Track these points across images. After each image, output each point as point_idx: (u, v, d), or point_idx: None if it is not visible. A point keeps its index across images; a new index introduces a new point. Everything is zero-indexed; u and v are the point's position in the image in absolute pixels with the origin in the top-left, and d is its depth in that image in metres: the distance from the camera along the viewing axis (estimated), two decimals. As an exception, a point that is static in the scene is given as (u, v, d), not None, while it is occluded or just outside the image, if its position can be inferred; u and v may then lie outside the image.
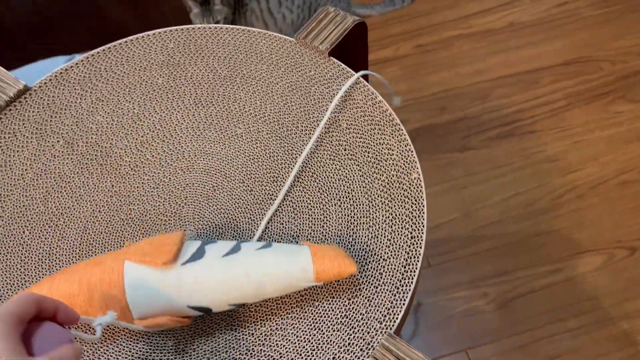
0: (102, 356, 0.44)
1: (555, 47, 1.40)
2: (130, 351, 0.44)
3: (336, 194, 0.50)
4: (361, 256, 0.46)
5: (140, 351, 0.44)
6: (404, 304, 0.42)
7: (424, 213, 0.46)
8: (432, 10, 1.52)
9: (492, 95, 1.34)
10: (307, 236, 0.48)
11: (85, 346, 0.45)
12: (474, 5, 1.51)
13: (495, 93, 1.34)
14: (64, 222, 0.52)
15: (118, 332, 0.45)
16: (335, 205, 0.49)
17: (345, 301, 0.44)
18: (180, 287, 0.43)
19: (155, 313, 0.44)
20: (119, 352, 0.44)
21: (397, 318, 0.42)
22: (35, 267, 0.49)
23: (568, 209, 1.16)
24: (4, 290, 0.48)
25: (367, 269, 0.45)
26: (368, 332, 0.42)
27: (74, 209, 0.52)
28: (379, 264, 0.45)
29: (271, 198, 0.51)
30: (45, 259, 0.50)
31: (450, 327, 1.05)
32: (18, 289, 0.48)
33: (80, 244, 0.51)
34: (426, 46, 1.45)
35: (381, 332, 0.41)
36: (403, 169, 0.49)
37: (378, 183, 0.49)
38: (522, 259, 1.11)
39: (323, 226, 0.48)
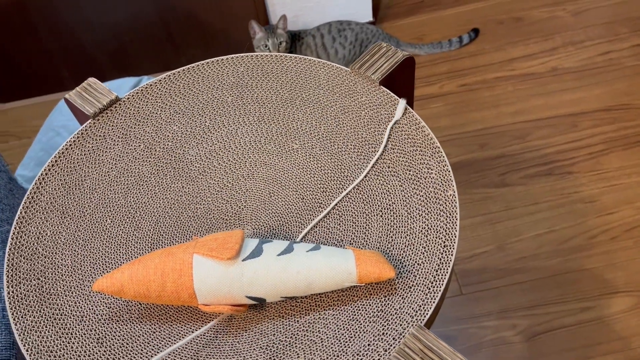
0: (171, 330, 0.51)
1: (596, 93, 1.44)
2: (189, 329, 0.51)
3: (378, 206, 0.56)
4: (398, 260, 0.52)
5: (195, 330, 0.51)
6: (434, 302, 0.48)
7: (457, 225, 0.52)
8: (478, 52, 1.59)
9: (532, 135, 1.39)
10: (350, 241, 0.54)
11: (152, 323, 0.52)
12: (519, 50, 1.58)
13: (535, 133, 1.39)
14: (139, 215, 0.60)
15: (181, 312, 0.52)
16: (377, 215, 0.56)
17: (381, 298, 0.50)
18: (240, 279, 0.50)
19: (217, 301, 0.51)
20: (179, 329, 0.51)
21: (427, 313, 0.47)
22: (115, 250, 0.57)
23: (601, 249, 1.18)
24: (88, 269, 0.55)
25: (403, 271, 0.51)
26: (400, 324, 0.48)
27: (149, 204, 0.60)
28: (413, 267, 0.51)
29: (320, 206, 0.58)
30: (123, 245, 0.57)
31: (478, 354, 1.08)
32: (100, 270, 0.55)
33: (152, 235, 0.58)
34: (470, 85, 1.52)
35: (412, 324, 0.47)
36: (440, 186, 0.56)
37: (417, 198, 0.55)
38: (553, 294, 1.13)
39: (365, 233, 0.54)
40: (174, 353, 0.50)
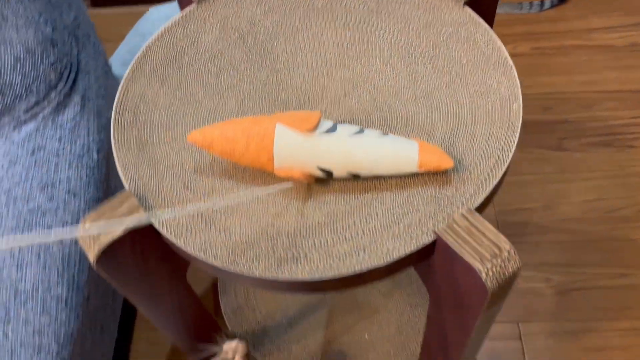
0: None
1: (673, 72, 1.42)
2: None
3: (445, 113, 0.61)
4: (457, 160, 0.57)
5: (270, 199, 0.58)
6: (485, 193, 0.53)
7: (516, 135, 0.57)
8: (558, 18, 1.57)
9: (599, 106, 1.38)
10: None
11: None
12: (600, 21, 1.55)
13: (602, 105, 1.38)
14: (227, 94, 0.67)
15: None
16: (443, 121, 0.60)
17: (436, 187, 0.55)
18: (315, 150, 0.56)
19: (291, 167, 0.57)
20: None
21: (478, 201, 0.53)
22: (203, 118, 0.64)
23: (649, 222, 1.19)
24: (179, 128, 0.63)
25: (460, 169, 0.56)
26: (451, 207, 0.53)
27: (237, 86, 0.67)
28: (470, 166, 0.56)
29: (390, 109, 0.63)
30: (211, 115, 0.65)
31: (508, 299, 1.13)
32: (189, 131, 0.63)
33: (236, 111, 0.65)
34: (544, 49, 1.51)
35: (463, 208, 0.52)
36: (507, 100, 0.60)
37: (483, 108, 0.60)
38: (592, 257, 1.16)
39: (429, 134, 0.60)
40: (246, 204, 0.57)
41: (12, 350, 0.65)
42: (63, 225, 0.74)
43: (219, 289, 1.08)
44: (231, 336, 1.02)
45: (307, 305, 1.06)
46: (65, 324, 0.69)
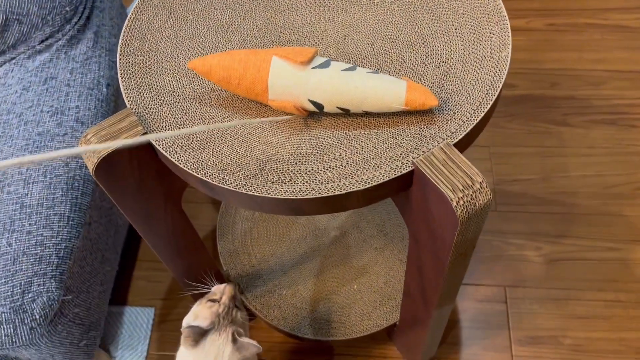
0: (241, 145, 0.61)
1: (685, 53, 1.41)
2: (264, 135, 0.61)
3: (438, 60, 0.63)
4: (443, 101, 0.59)
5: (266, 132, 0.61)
6: (465, 131, 0.56)
7: (501, 82, 0.59)
8: (575, -4, 1.56)
9: (606, 84, 1.39)
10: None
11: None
12: (617, 1, 1.54)
13: (610, 84, 1.39)
14: (231, 31, 0.69)
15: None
16: (434, 67, 0.63)
17: (421, 126, 0.58)
18: (307, 83, 0.59)
19: (284, 98, 0.60)
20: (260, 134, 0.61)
21: (458, 137, 0.55)
22: (205, 52, 0.67)
23: (644, 199, 1.20)
24: (182, 59, 0.66)
25: (445, 109, 0.58)
26: (432, 143, 0.56)
27: (240, 24, 0.70)
28: (455, 107, 0.58)
29: (386, 54, 0.65)
30: (213, 50, 0.67)
31: (497, 264, 1.16)
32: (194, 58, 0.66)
33: (238, 48, 0.68)
34: (558, 26, 1.51)
35: (442, 143, 0.55)
36: (497, 48, 0.62)
37: (474, 56, 0.62)
38: (583, 230, 1.18)
39: (421, 79, 0.62)
40: (240, 132, 0.60)
41: (15, 258, 0.69)
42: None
43: (217, 233, 1.12)
44: (225, 276, 1.06)
45: (301, 254, 1.09)
46: (66, 240, 0.73)
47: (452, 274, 0.65)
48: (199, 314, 0.77)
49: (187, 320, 0.78)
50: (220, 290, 0.82)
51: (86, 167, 0.80)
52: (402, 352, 1.08)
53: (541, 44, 1.48)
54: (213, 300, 0.80)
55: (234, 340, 0.78)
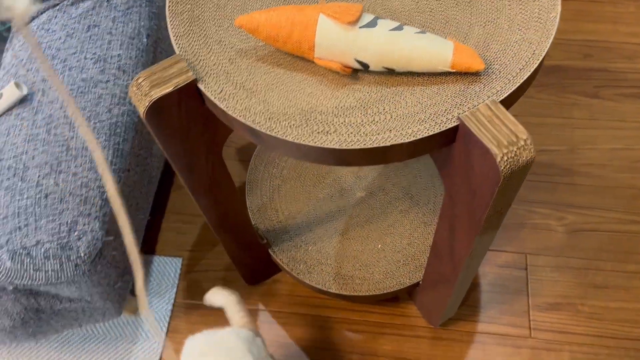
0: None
1: None
2: (303, 78, 0.62)
3: (484, 19, 0.63)
4: (488, 61, 0.60)
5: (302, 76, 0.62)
6: (511, 89, 0.56)
7: (548, 43, 0.59)
8: (614, -34, 1.53)
9: (641, 58, 1.37)
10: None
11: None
12: (658, -26, 1.50)
13: (645, 57, 1.37)
14: (277, -17, 0.70)
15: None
16: (480, 26, 0.63)
17: (466, 83, 0.58)
18: (354, 43, 0.59)
19: (330, 57, 0.61)
20: (293, 75, 0.62)
21: (504, 94, 0.56)
22: (253, 4, 0.68)
23: (672, 175, 1.20)
24: (228, 12, 0.67)
25: (491, 70, 0.59)
26: (477, 100, 0.56)
27: (286, -23, 0.70)
28: (501, 67, 0.59)
29: (431, 12, 0.65)
30: (257, 6, 0.68)
31: (520, 232, 1.17)
32: (237, 16, 0.66)
33: (284, 3, 0.68)
34: (594, -4, 1.48)
35: (488, 100, 0.56)
36: (546, 9, 0.62)
37: (521, 16, 0.62)
38: (609, 202, 1.18)
39: (466, 37, 0.62)
40: (285, 84, 0.61)
41: (62, 197, 0.71)
42: (112, 97, 0.80)
43: (246, 188, 1.14)
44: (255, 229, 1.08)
45: (327, 213, 1.12)
46: (108, 183, 0.75)
47: (484, 233, 0.67)
48: None
49: None
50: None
51: (128, 114, 0.82)
52: (422, 312, 1.10)
53: (576, 14, 1.45)
54: None
55: None
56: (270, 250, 1.07)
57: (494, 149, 0.52)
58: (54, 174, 0.72)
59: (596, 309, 1.08)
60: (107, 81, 0.81)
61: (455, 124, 0.55)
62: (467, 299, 1.12)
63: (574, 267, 1.12)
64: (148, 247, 1.22)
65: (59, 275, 0.71)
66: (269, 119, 0.58)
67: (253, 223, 1.09)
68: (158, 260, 1.20)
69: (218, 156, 0.73)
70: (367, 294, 1.01)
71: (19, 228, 0.69)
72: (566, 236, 1.16)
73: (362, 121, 0.58)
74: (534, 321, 1.08)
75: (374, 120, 0.57)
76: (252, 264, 1.09)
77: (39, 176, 0.72)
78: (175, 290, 1.17)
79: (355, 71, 0.62)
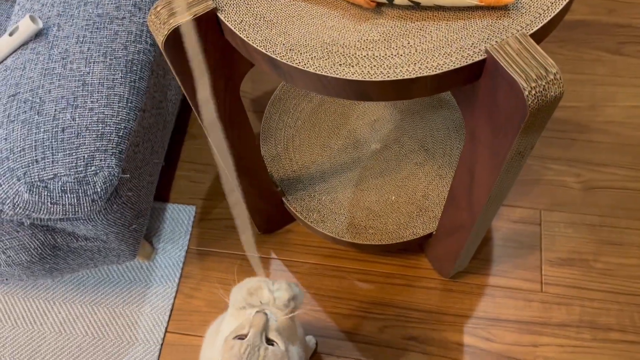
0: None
1: None
2: (327, 12, 0.60)
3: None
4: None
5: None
6: (541, 23, 0.54)
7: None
8: None
9: (667, 14, 1.33)
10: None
11: None
12: None
13: (672, 14, 1.33)
14: None
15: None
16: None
17: (494, 18, 0.56)
18: None
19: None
20: (321, 10, 0.60)
21: (534, 27, 0.54)
22: None
23: (693, 133, 1.18)
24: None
25: (519, 4, 0.57)
26: (505, 34, 0.55)
27: None
28: (530, 1, 0.57)
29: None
30: None
31: (535, 188, 1.16)
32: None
33: None
34: (622, -51, 1.43)
35: (517, 33, 0.54)
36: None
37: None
38: (626, 160, 1.17)
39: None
40: (306, 15, 0.59)
41: (78, 132, 0.71)
42: (127, 34, 0.78)
43: (260, 137, 1.13)
44: (269, 176, 1.08)
45: (341, 164, 1.11)
46: (125, 120, 0.74)
47: (505, 175, 0.66)
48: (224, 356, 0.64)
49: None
50: (249, 323, 0.65)
51: (144, 52, 0.81)
52: (433, 264, 1.11)
53: (602, -32, 1.41)
54: (241, 337, 0.65)
55: None
56: (284, 199, 1.06)
57: (521, 83, 0.50)
58: (70, 108, 0.72)
59: (609, 266, 1.08)
60: (123, 18, 0.79)
61: (482, 57, 0.53)
62: (479, 253, 1.12)
63: (589, 224, 1.12)
64: (162, 195, 1.23)
65: (76, 210, 0.71)
66: (290, 50, 0.57)
67: (268, 170, 1.09)
68: (172, 208, 1.21)
69: (235, 92, 0.72)
70: (380, 243, 1.01)
71: (36, 161, 0.69)
72: (582, 193, 1.15)
73: (386, 54, 0.56)
74: (546, 276, 1.08)
75: (397, 53, 0.56)
76: (266, 210, 1.09)
77: (55, 110, 0.72)
78: (188, 237, 1.18)
79: (379, 5, 0.60)
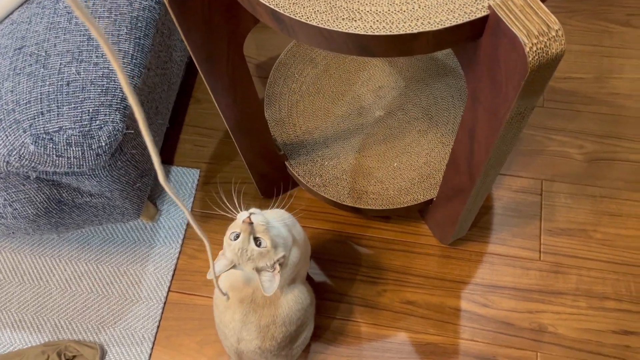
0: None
1: None
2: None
3: None
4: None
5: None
6: (545, -18, 0.54)
7: None
8: None
9: (679, -13, 1.31)
10: None
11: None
12: None
13: (683, -14, 1.31)
14: None
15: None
16: None
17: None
18: None
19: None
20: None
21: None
22: None
23: (699, 107, 1.17)
24: None
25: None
26: (509, -9, 0.55)
27: None
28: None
29: None
30: None
31: (537, 158, 1.16)
32: None
33: None
34: None
35: (519, -8, 0.54)
36: None
37: None
38: (630, 132, 1.17)
39: None
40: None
41: (83, 86, 0.72)
42: (133, -10, 0.78)
43: (264, 102, 1.14)
44: (273, 140, 1.09)
45: (344, 130, 1.11)
46: (129, 76, 0.75)
47: (505, 137, 0.66)
48: (225, 251, 0.78)
49: (218, 260, 0.79)
50: (239, 226, 0.77)
51: (149, 9, 0.81)
52: (433, 230, 1.12)
53: (615, -62, 1.38)
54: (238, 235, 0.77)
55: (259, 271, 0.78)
56: (287, 163, 1.07)
57: (523, 38, 0.50)
58: (75, 62, 0.72)
59: (608, 236, 1.08)
60: (129, -26, 0.79)
61: (485, 13, 0.53)
62: (478, 221, 1.13)
63: (589, 195, 1.12)
64: (167, 158, 1.24)
65: (81, 163, 0.72)
66: (293, 3, 0.57)
67: (272, 134, 1.10)
68: (176, 171, 1.22)
69: (239, 50, 0.72)
70: (381, 207, 1.02)
71: (42, 113, 0.70)
72: (584, 164, 1.15)
73: (389, 10, 0.56)
74: (545, 245, 1.09)
75: (401, 9, 0.56)
76: (269, 173, 1.10)
77: (60, 64, 0.72)
78: (192, 200, 1.19)
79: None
